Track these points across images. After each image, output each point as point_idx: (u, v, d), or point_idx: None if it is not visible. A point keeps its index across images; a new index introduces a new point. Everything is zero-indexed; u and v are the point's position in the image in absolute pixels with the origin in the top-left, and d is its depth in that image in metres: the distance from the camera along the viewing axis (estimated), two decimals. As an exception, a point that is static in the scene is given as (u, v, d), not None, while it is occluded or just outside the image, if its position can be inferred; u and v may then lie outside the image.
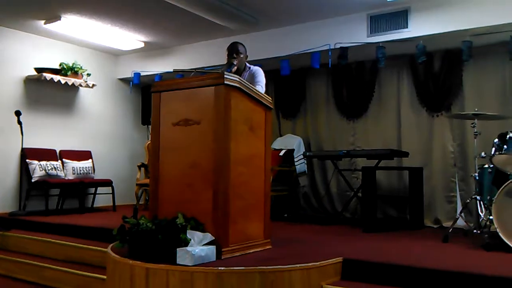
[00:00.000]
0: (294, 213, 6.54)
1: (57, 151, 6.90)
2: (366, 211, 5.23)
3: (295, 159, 6.60)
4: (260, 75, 4.29)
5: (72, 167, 6.76)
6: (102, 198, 7.18)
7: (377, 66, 5.75)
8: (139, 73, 7.44)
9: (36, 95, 6.78)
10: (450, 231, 4.39)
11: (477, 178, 4.42)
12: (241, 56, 4.25)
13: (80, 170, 6.83)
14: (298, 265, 3.10)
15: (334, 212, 6.56)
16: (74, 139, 7.22)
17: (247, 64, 4.40)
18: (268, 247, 3.75)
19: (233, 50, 4.26)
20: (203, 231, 3.26)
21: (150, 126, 3.95)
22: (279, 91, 7.23)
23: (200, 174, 3.42)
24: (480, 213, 4.43)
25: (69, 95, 7.25)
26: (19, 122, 6.36)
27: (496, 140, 4.24)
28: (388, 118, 6.38)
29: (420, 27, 5.26)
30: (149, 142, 6.35)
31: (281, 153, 6.53)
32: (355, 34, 5.67)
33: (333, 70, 6.62)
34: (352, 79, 6.64)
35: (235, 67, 4.10)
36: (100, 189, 7.13)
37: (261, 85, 4.16)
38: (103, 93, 7.74)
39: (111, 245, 3.63)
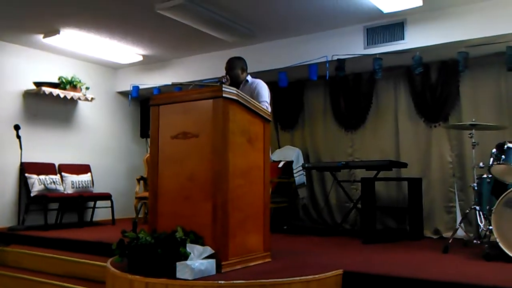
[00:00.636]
0: (293, 225, 6.52)
1: (56, 165, 6.89)
2: (366, 222, 5.22)
3: (294, 171, 6.60)
4: (263, 91, 4.27)
5: (71, 181, 6.75)
6: (101, 212, 7.15)
7: (374, 78, 5.78)
8: (138, 86, 7.46)
9: (35, 109, 6.80)
10: (450, 241, 4.39)
11: (476, 188, 4.42)
12: (235, 71, 4.31)
13: (79, 184, 6.82)
14: (298, 278, 3.09)
15: (333, 224, 6.55)
16: (73, 153, 7.22)
17: (248, 78, 4.41)
18: (268, 259, 3.74)
19: (226, 66, 4.35)
20: (202, 244, 3.25)
21: (149, 139, 3.96)
22: (277, 103, 7.25)
23: (199, 187, 3.42)
24: (480, 223, 4.43)
25: (68, 109, 7.27)
26: (18, 136, 6.36)
27: (494, 150, 4.25)
28: (386, 129, 6.39)
29: (416, 38, 5.30)
30: (148, 155, 6.36)
31: (280, 165, 6.53)
32: (352, 46, 5.71)
33: (331, 82, 6.65)
34: (349, 91, 6.66)
35: (226, 84, 4.08)
36: (99, 203, 7.11)
37: (266, 105, 4.15)
38: (102, 107, 7.76)
39: (111, 259, 3.62)
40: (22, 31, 6.11)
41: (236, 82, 4.27)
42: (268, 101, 4.26)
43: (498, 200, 3.88)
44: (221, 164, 3.34)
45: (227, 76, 4.23)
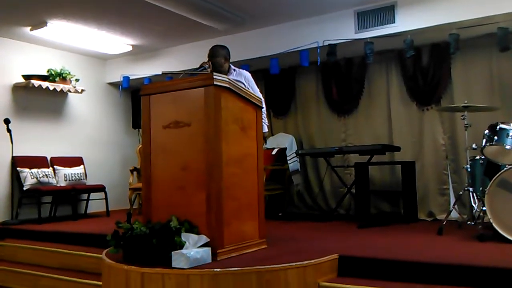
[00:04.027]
0: (288, 212, 6.54)
1: (48, 158, 6.84)
2: (360, 206, 5.25)
3: (288, 158, 6.60)
4: (255, 86, 4.36)
5: (64, 174, 6.71)
6: (95, 204, 7.12)
7: (366, 62, 5.76)
8: (128, 77, 7.40)
9: (24, 102, 6.72)
10: (444, 223, 4.41)
11: (469, 169, 4.44)
12: (218, 58, 4.29)
13: (72, 177, 6.78)
14: (294, 264, 3.10)
15: (328, 209, 6.57)
16: (64, 146, 7.16)
17: (231, 66, 4.44)
18: (263, 246, 3.75)
19: (210, 53, 4.33)
20: (197, 233, 3.25)
21: (141, 130, 3.94)
22: (269, 90, 7.23)
23: (192, 176, 3.40)
24: (473, 204, 4.46)
25: (58, 101, 7.20)
26: (9, 130, 6.30)
27: (486, 131, 4.26)
28: (379, 113, 6.39)
29: (407, 21, 5.27)
30: (140, 145, 6.33)
31: (274, 152, 6.53)
32: (343, 30, 5.68)
33: (322, 68, 6.63)
34: (341, 76, 6.65)
35: (208, 70, 4.12)
36: (93, 195, 7.08)
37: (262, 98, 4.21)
38: (93, 98, 7.69)
39: (106, 250, 3.61)
40: (9, 24, 6.02)
41: (218, 70, 4.24)
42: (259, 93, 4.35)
43: (491, 181, 3.90)
44: (214, 153, 3.32)
45: (210, 62, 4.21)
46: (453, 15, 4.99)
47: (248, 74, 4.45)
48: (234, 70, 4.41)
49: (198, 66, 4.17)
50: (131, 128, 8.25)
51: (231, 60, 4.53)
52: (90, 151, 7.51)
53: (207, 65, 4.13)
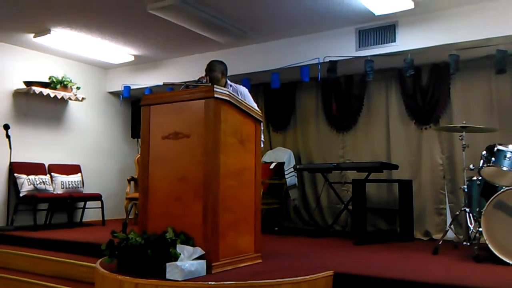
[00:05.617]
0: (284, 226, 6.52)
1: (46, 165, 6.83)
2: (356, 223, 5.24)
3: (286, 172, 6.60)
4: (252, 102, 4.35)
5: (61, 181, 6.70)
6: (91, 213, 7.10)
7: (366, 80, 5.79)
8: (129, 87, 7.43)
9: (25, 109, 6.74)
10: (440, 243, 4.40)
11: (466, 190, 4.45)
12: (215, 73, 4.33)
13: (69, 184, 6.77)
14: (288, 279, 3.09)
15: (324, 225, 6.55)
16: (63, 153, 7.16)
17: (228, 81, 4.48)
18: (258, 261, 3.74)
19: (207, 67, 4.37)
20: (193, 245, 3.24)
21: (140, 140, 3.95)
22: (269, 104, 7.26)
23: (189, 188, 3.40)
24: (470, 225, 4.45)
25: (58, 109, 7.21)
26: (8, 136, 6.30)
27: (484, 152, 4.27)
28: (377, 131, 6.41)
29: (407, 41, 5.33)
30: (139, 155, 6.33)
31: (272, 166, 6.53)
32: (344, 48, 5.73)
33: (323, 84, 6.67)
34: (341, 93, 6.68)
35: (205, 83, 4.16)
36: (89, 204, 7.05)
37: None
38: (93, 107, 7.71)
39: (100, 260, 3.60)
40: (13, 30, 6.06)
41: (216, 84, 4.27)
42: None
43: (488, 202, 3.90)
44: (212, 165, 3.33)
45: (207, 77, 4.25)
46: (453, 36, 5.04)
47: (244, 90, 4.47)
48: (231, 85, 4.45)
49: (197, 78, 4.21)
50: (130, 138, 8.26)
51: (232, 73, 4.56)
52: (88, 159, 7.51)
53: (205, 80, 4.17)
